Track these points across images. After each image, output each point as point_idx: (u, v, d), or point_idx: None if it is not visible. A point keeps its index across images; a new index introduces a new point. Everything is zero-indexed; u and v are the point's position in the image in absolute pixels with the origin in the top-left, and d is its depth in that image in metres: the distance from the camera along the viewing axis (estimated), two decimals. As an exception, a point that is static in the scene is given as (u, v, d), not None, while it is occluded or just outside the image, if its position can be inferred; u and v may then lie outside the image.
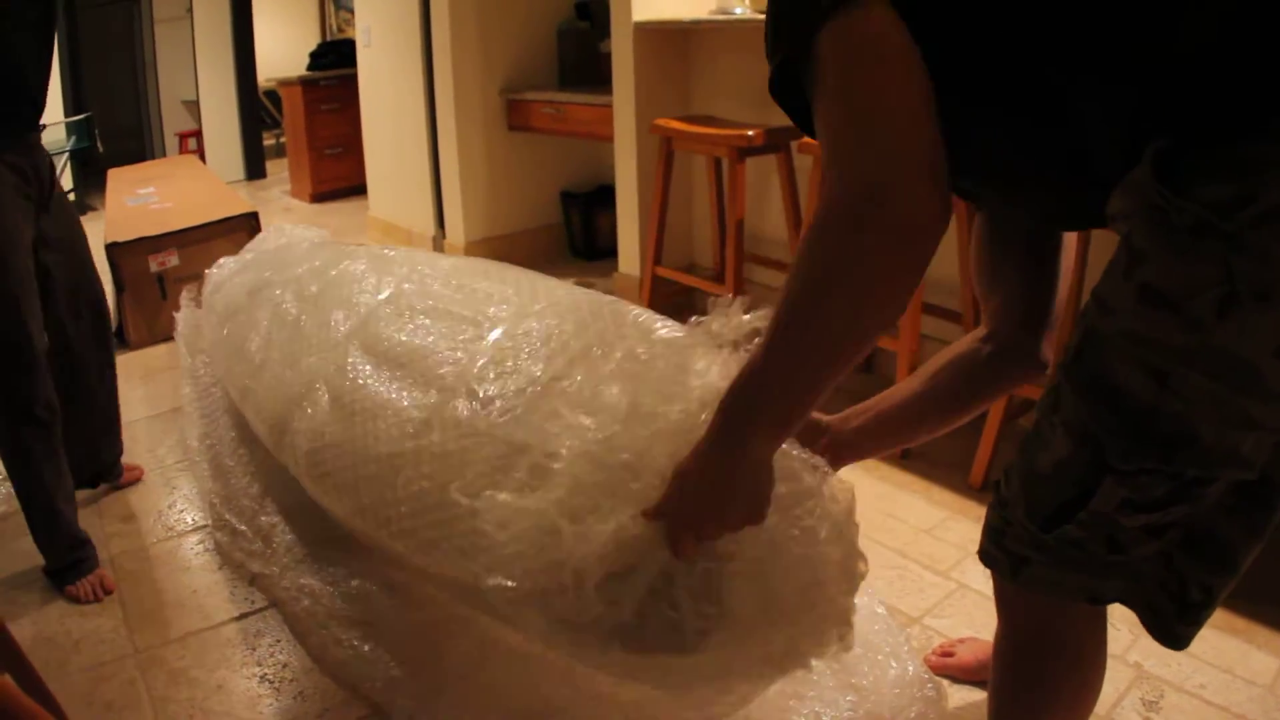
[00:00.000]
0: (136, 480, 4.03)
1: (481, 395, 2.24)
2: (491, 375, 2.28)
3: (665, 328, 2.30)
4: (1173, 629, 1.68)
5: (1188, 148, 1.38)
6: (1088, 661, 1.82)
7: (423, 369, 2.45)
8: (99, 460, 3.83)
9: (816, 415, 2.31)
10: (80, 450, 3.61)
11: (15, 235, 2.94)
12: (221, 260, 4.15)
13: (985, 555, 1.79)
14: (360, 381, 2.52)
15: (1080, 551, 1.61)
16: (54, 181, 3.23)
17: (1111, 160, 1.49)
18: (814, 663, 1.98)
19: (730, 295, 2.05)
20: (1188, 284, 1.38)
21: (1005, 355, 2.18)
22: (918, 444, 2.35)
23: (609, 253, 6.54)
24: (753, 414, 1.63)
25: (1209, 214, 1.33)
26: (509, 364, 2.29)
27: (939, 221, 1.45)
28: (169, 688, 2.81)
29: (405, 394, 2.41)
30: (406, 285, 2.84)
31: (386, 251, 3.26)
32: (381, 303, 2.81)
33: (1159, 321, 1.42)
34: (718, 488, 1.67)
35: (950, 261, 4.12)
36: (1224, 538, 1.59)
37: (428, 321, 2.62)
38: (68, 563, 3.29)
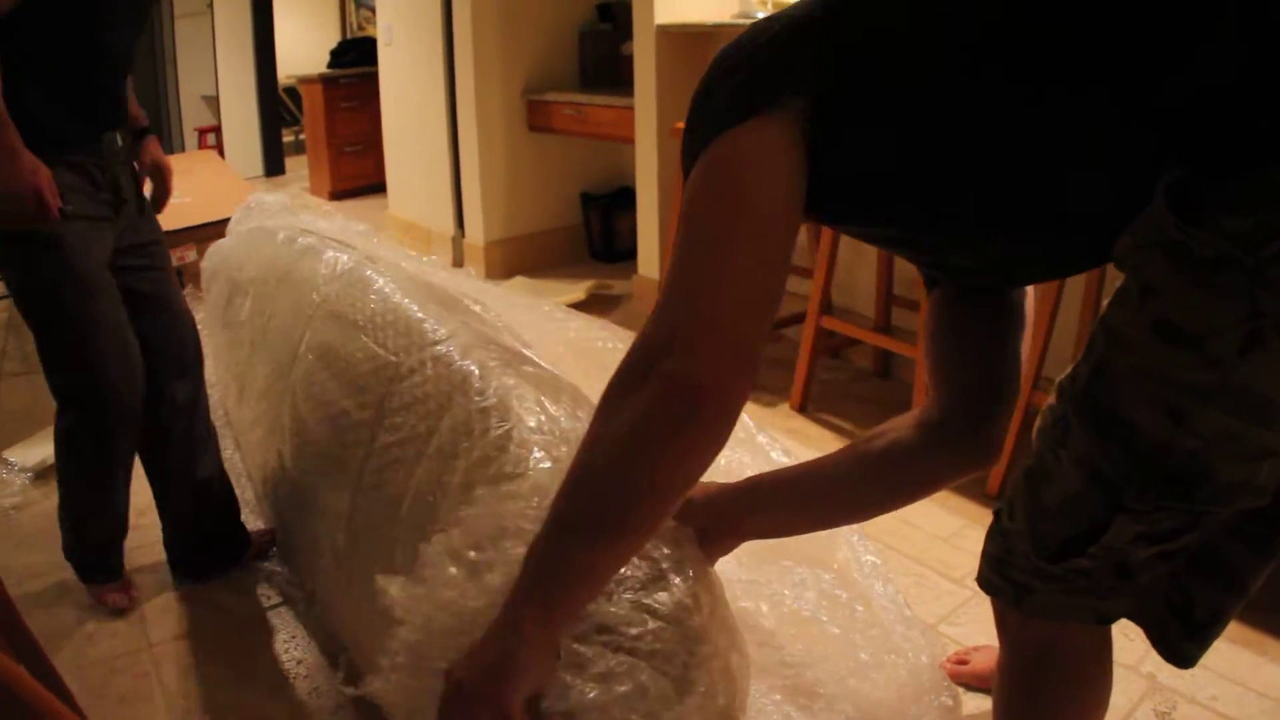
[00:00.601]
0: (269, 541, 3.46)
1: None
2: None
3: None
4: (1179, 648, 1.66)
5: (1203, 178, 1.33)
6: (1094, 680, 1.78)
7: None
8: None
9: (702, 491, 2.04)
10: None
11: (85, 242, 2.77)
12: (211, 248, 4.24)
13: (986, 583, 1.74)
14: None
15: (1087, 579, 1.58)
16: (136, 189, 3.05)
17: (1129, 196, 1.42)
18: (826, 666, 1.98)
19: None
20: (1209, 321, 1.33)
21: (952, 447, 2.04)
22: (812, 531, 2.14)
23: (628, 255, 6.56)
24: (527, 595, 1.54)
25: (1232, 247, 1.28)
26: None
27: (725, 392, 1.41)
28: (182, 682, 2.82)
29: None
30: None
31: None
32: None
33: (1176, 359, 1.37)
34: (490, 674, 1.53)
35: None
36: (1231, 558, 1.57)
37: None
38: (93, 564, 3.22)
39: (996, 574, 1.70)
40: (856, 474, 2.09)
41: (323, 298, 2.97)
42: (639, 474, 1.45)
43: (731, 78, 1.57)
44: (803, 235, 5.13)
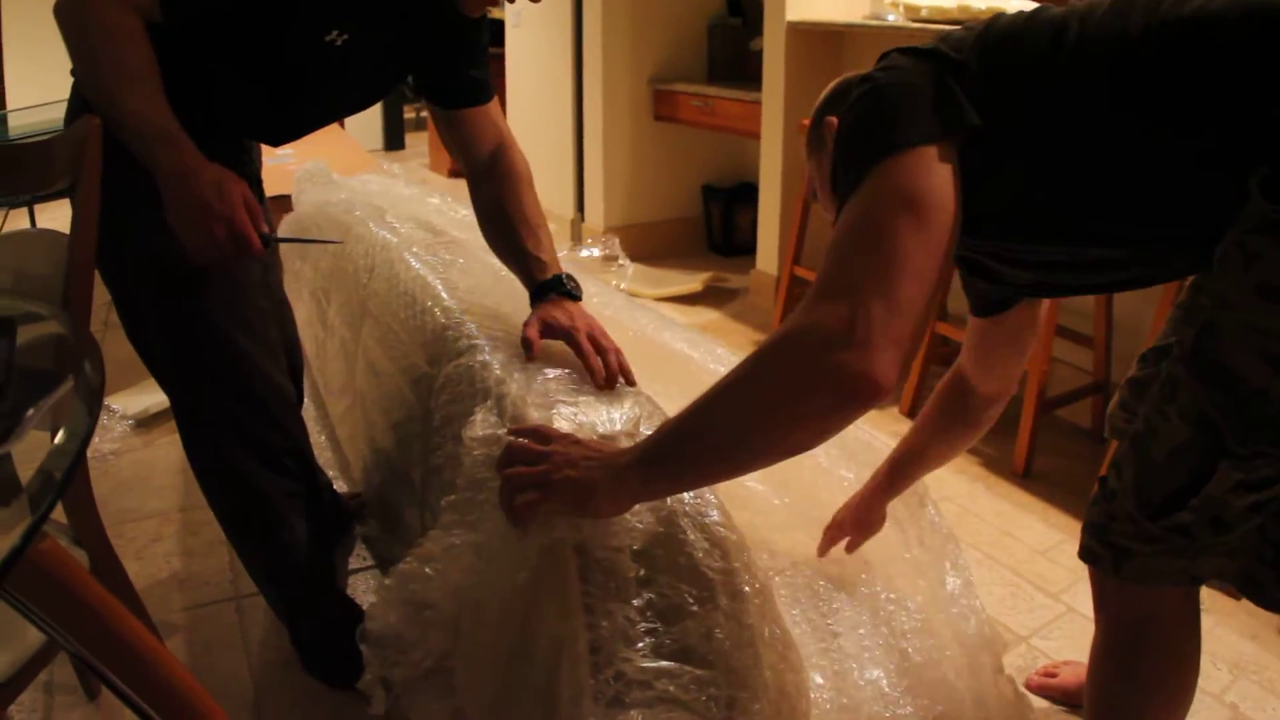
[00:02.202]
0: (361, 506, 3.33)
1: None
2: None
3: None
4: (1271, 593, 1.73)
5: None
6: (1187, 653, 1.88)
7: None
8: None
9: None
10: None
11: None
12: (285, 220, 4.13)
13: (1087, 552, 1.84)
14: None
15: (1185, 538, 1.67)
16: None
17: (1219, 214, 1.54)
18: (899, 678, 2.02)
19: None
20: None
21: (991, 402, 2.38)
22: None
23: (746, 249, 6.54)
24: (640, 459, 1.65)
25: None
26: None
27: (886, 391, 1.49)
28: (268, 634, 2.82)
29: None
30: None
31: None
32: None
33: (1276, 313, 1.48)
34: (581, 481, 1.66)
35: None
36: None
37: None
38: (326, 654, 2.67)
39: (1097, 540, 1.81)
40: (924, 449, 2.50)
41: (369, 294, 2.96)
42: (783, 431, 1.56)
43: (895, 114, 1.67)
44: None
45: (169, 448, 4.06)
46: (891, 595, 2.29)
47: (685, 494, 1.74)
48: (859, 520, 2.45)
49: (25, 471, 1.30)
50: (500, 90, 8.38)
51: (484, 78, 2.60)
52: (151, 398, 4.32)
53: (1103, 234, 1.69)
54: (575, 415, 1.90)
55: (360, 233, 3.24)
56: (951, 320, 4.61)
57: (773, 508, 2.39)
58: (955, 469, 3.88)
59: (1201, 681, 1.88)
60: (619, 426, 1.88)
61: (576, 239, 7.36)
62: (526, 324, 2.21)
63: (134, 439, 4.13)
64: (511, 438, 1.79)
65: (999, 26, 1.74)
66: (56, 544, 1.29)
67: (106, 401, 4.37)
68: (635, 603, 1.68)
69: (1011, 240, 1.83)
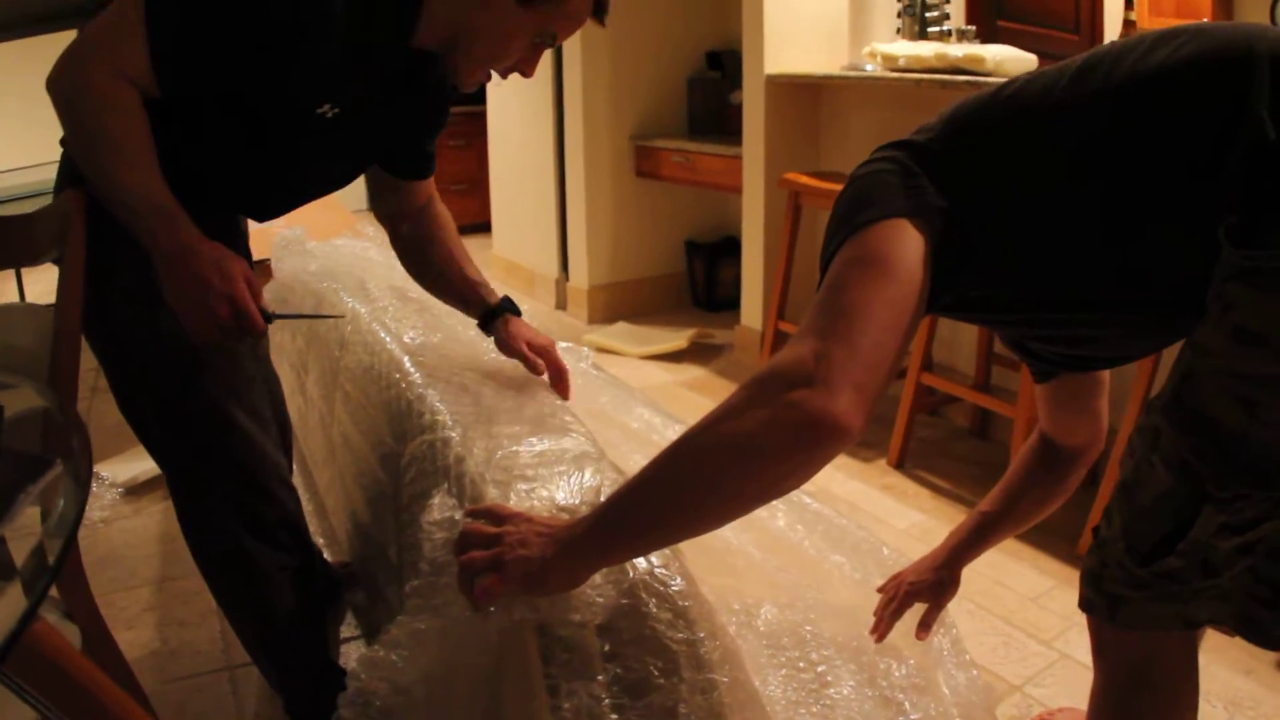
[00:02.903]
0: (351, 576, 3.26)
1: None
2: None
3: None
4: (1269, 631, 1.71)
5: (1258, 218, 1.48)
6: (1186, 696, 1.90)
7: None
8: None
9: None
10: None
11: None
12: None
13: (1085, 601, 1.88)
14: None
15: (1175, 583, 1.70)
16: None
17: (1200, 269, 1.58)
18: None
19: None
20: (1276, 319, 1.48)
21: (1076, 459, 2.37)
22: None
23: (730, 304, 6.54)
24: (592, 527, 1.64)
25: None
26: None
27: (847, 438, 1.48)
28: (261, 704, 2.82)
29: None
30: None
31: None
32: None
33: (1249, 356, 1.51)
34: (536, 558, 1.64)
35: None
36: None
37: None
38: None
39: (1093, 589, 1.85)
40: (1012, 505, 2.47)
41: (340, 367, 2.97)
42: (740, 475, 1.53)
43: (867, 195, 1.77)
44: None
45: (159, 515, 4.05)
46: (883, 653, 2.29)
47: (649, 561, 1.73)
48: (936, 582, 2.49)
49: (18, 552, 1.30)
50: (481, 149, 8.41)
51: (434, 149, 2.70)
52: (140, 465, 4.31)
53: (1086, 303, 1.76)
54: (533, 491, 1.90)
55: (333, 302, 3.25)
56: (937, 371, 4.63)
57: (753, 562, 2.38)
58: (947, 520, 3.88)
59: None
60: (578, 499, 1.88)
61: (562, 299, 7.38)
62: (510, 348, 2.53)
63: (124, 506, 4.12)
64: (466, 520, 1.79)
65: (965, 106, 1.84)
66: (48, 624, 1.30)
67: (96, 469, 4.34)
68: (600, 678, 1.67)
69: (1015, 312, 1.89)
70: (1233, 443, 1.55)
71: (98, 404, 5.19)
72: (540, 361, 2.51)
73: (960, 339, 4.93)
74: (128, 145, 1.99)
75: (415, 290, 2.89)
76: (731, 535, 2.38)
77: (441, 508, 1.93)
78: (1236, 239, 1.49)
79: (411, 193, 2.72)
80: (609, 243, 7.02)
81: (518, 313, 2.61)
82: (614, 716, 1.65)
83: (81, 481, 1.46)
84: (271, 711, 2.75)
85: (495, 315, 2.59)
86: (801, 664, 2.20)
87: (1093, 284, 1.71)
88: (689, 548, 1.89)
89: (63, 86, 2.00)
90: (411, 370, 2.51)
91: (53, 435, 1.74)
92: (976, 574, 3.48)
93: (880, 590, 2.46)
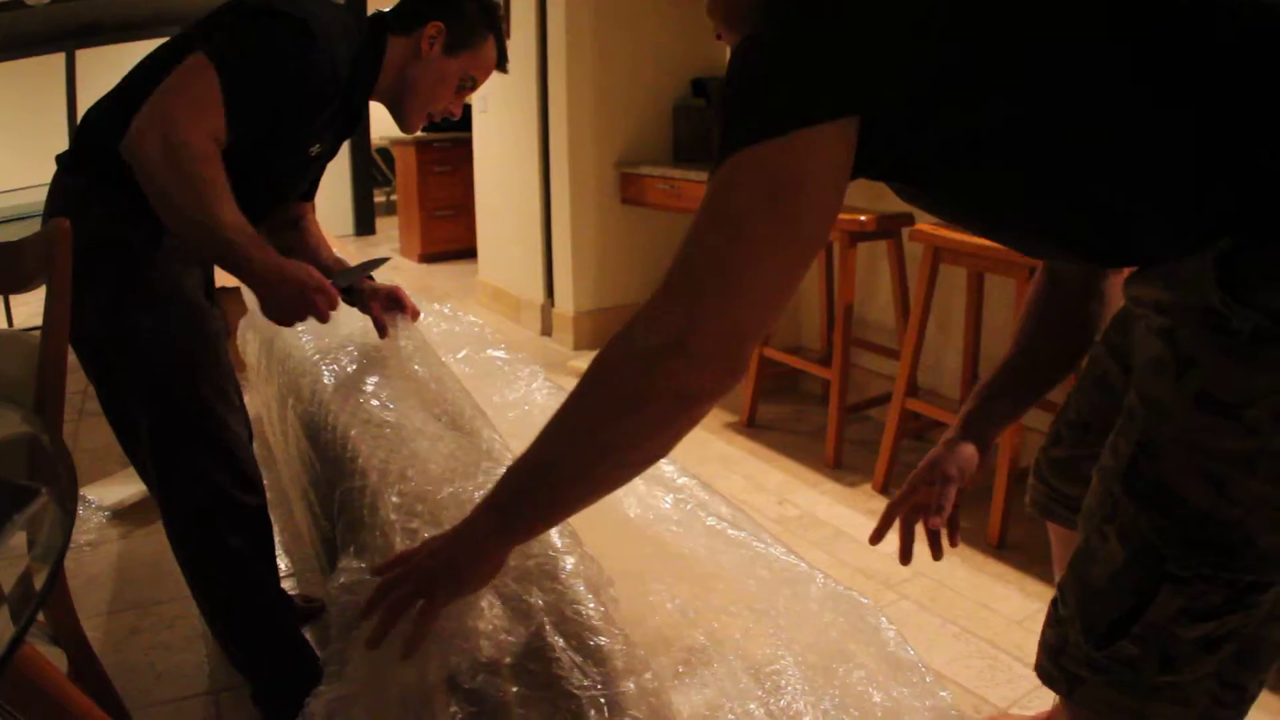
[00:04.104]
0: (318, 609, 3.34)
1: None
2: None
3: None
4: None
5: (1247, 248, 1.37)
6: None
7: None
8: None
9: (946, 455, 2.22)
10: None
11: (203, 313, 2.56)
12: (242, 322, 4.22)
13: (1042, 671, 1.76)
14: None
15: (1132, 672, 1.58)
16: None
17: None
18: None
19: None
20: (1247, 391, 1.39)
21: (1088, 295, 2.11)
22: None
23: (715, 332, 6.51)
24: (490, 511, 1.65)
25: (1270, 322, 1.35)
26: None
27: (725, 391, 1.47)
28: (246, 728, 2.79)
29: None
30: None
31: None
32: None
33: (1216, 428, 1.42)
34: (445, 560, 1.66)
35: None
36: (1275, 641, 1.56)
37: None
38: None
39: (1052, 663, 1.72)
40: (1039, 347, 2.18)
41: (292, 412, 2.96)
42: (625, 446, 1.52)
43: (785, 79, 1.44)
44: (891, 317, 5.12)
45: (145, 539, 4.05)
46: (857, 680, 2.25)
47: (562, 599, 1.73)
48: (963, 452, 2.21)
49: (5, 578, 1.31)
50: (467, 175, 8.44)
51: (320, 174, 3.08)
52: (127, 489, 4.32)
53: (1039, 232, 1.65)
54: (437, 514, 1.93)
55: (287, 336, 3.25)
56: (922, 395, 4.64)
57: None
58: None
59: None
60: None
61: (547, 325, 7.39)
62: (368, 310, 2.85)
63: (110, 530, 4.12)
64: (374, 575, 1.80)
65: None
66: (35, 650, 1.30)
67: (82, 492, 4.36)
68: None
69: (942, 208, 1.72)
70: (1197, 520, 1.46)
71: (85, 427, 5.21)
72: (386, 321, 2.83)
73: (945, 364, 4.96)
74: (223, 188, 2.25)
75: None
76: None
77: (345, 573, 1.94)
78: (1222, 271, 1.38)
79: (294, 207, 3.03)
80: (594, 269, 7.02)
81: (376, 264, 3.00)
82: None
83: (68, 509, 1.47)
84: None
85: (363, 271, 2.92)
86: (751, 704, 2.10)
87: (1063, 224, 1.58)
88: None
89: (163, 142, 2.18)
90: (341, 418, 2.53)
91: (40, 462, 1.75)
92: (960, 597, 3.50)
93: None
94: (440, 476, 2.10)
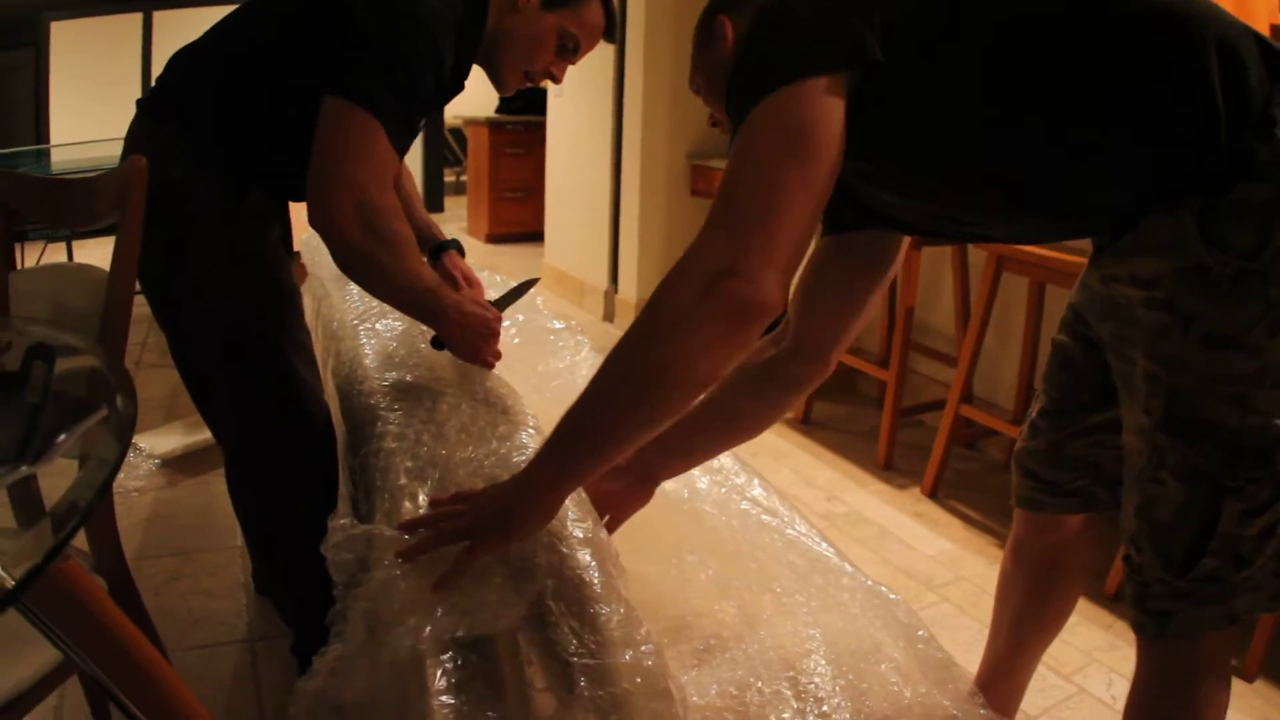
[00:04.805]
0: None
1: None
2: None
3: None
4: None
5: (1214, 204, 1.62)
6: (1225, 681, 1.93)
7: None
8: None
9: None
10: None
11: (291, 287, 2.61)
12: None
13: (1136, 625, 1.91)
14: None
15: (1214, 583, 1.78)
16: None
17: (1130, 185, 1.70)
18: None
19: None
20: (1243, 322, 1.63)
21: (805, 364, 2.31)
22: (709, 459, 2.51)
23: (776, 324, 6.47)
24: (547, 458, 1.73)
25: (1244, 261, 1.60)
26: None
27: (774, 312, 1.60)
28: (281, 677, 2.84)
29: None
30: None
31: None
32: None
33: (1227, 359, 1.66)
34: (499, 508, 1.72)
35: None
36: None
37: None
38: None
39: (1140, 611, 1.88)
40: (731, 399, 2.34)
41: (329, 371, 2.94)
42: (681, 363, 1.61)
43: (794, 40, 1.70)
44: (951, 324, 5.11)
45: (193, 488, 4.10)
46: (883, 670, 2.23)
47: (561, 571, 1.72)
48: (625, 489, 2.30)
49: (53, 492, 1.32)
50: (540, 158, 8.44)
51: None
52: (178, 439, 4.38)
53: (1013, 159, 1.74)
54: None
55: (335, 300, 3.24)
56: (976, 404, 4.63)
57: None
58: (976, 550, 3.89)
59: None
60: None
61: (610, 310, 7.41)
62: (449, 269, 2.82)
63: (159, 478, 4.17)
64: (431, 506, 1.87)
65: None
66: (78, 564, 1.32)
67: (135, 440, 4.40)
68: (511, 694, 1.66)
69: (918, 178, 1.87)
70: (1234, 436, 1.68)
71: (140, 378, 5.24)
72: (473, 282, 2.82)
73: (1001, 374, 4.93)
74: (414, 243, 2.33)
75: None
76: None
77: (338, 530, 1.91)
78: (1207, 230, 1.62)
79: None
80: (660, 258, 7.01)
81: (461, 251, 2.93)
82: None
83: (124, 429, 1.48)
84: (290, 684, 2.76)
85: (441, 250, 2.89)
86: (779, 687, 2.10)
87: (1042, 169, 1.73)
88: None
89: (355, 209, 2.18)
90: (371, 374, 2.53)
91: (99, 388, 1.77)
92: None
93: None
94: (455, 442, 2.10)
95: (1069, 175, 1.71)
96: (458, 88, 2.59)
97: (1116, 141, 1.64)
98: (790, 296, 2.27)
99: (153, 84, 2.48)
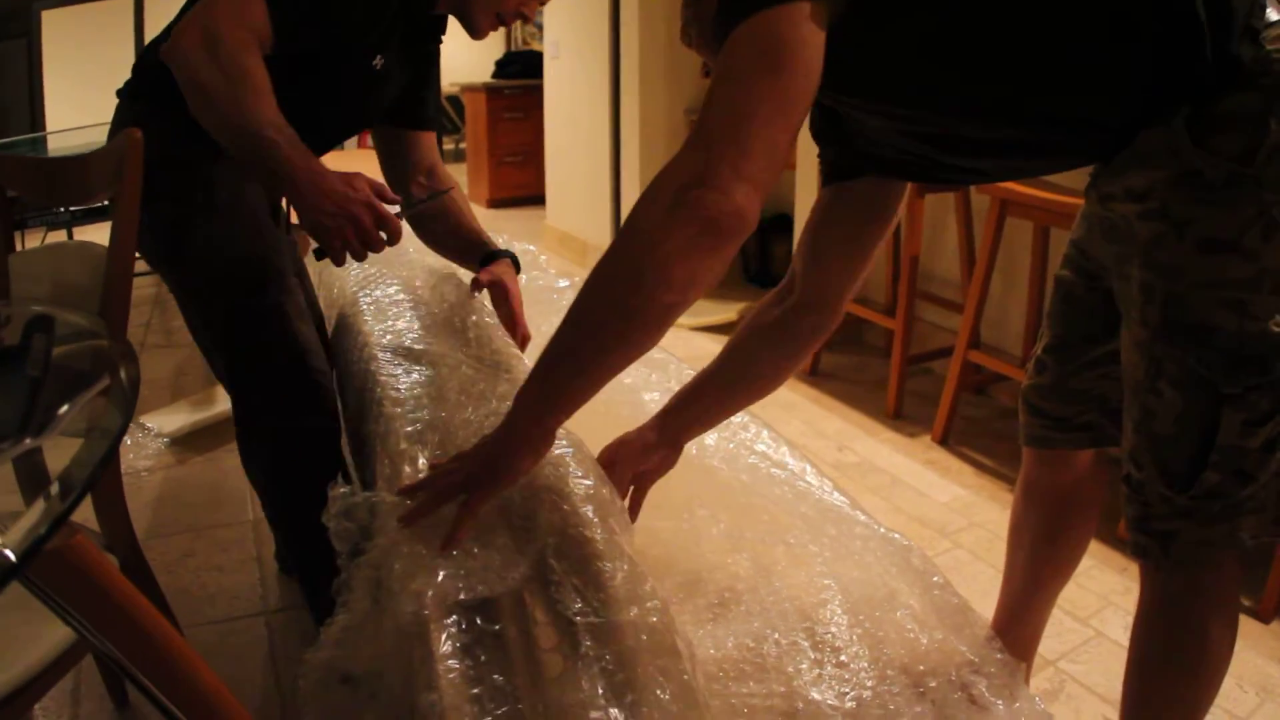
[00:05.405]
0: None
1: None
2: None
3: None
4: None
5: (1203, 111, 1.64)
6: (1226, 632, 1.92)
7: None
8: None
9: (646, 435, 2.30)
10: None
11: (276, 240, 2.50)
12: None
13: (1135, 547, 1.91)
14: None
15: (1217, 500, 1.79)
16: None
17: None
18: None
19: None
20: (1237, 226, 1.64)
21: (812, 316, 2.30)
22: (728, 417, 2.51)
23: (781, 279, 6.47)
24: (530, 394, 1.73)
25: (1235, 165, 1.62)
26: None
27: (746, 228, 1.59)
28: (298, 649, 2.83)
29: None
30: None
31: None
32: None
33: (1224, 264, 1.67)
34: (485, 456, 1.72)
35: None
36: None
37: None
38: None
39: (1141, 533, 1.89)
40: (746, 357, 2.35)
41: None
42: (654, 274, 1.60)
43: None
44: (956, 270, 5.10)
45: (202, 465, 4.10)
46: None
47: (563, 529, 1.71)
48: (655, 457, 2.28)
49: (57, 462, 1.31)
50: (538, 122, 8.44)
51: (437, 106, 2.86)
52: (185, 417, 4.38)
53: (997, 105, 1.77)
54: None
55: (336, 272, 3.22)
56: (984, 349, 4.62)
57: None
58: (988, 495, 3.90)
59: (1228, 704, 1.91)
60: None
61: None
62: (481, 271, 2.65)
63: (168, 456, 4.17)
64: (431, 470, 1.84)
65: None
66: (87, 540, 1.31)
67: (142, 420, 4.45)
68: (516, 656, 1.63)
69: (908, 106, 1.87)
70: (1233, 341, 1.69)
71: (145, 359, 5.24)
72: (484, 282, 2.64)
73: (1009, 319, 4.92)
74: (263, 85, 2.10)
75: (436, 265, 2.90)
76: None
77: (339, 498, 1.91)
78: (1197, 133, 1.64)
79: (416, 148, 2.86)
80: (662, 216, 6.94)
81: (516, 264, 2.76)
82: (521, 704, 1.59)
83: (126, 399, 1.47)
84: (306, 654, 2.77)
85: (492, 258, 2.72)
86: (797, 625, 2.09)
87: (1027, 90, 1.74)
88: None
89: (202, 35, 2.08)
90: (370, 345, 2.50)
91: (101, 360, 1.76)
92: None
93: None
94: (455, 404, 2.10)
95: (1055, 93, 1.71)
96: (415, 24, 2.55)
97: (1100, 56, 1.66)
98: (795, 250, 2.32)
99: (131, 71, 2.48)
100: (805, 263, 2.27)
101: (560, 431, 1.83)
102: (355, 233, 2.13)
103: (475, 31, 2.55)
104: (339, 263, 2.18)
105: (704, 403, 2.32)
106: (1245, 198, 1.63)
